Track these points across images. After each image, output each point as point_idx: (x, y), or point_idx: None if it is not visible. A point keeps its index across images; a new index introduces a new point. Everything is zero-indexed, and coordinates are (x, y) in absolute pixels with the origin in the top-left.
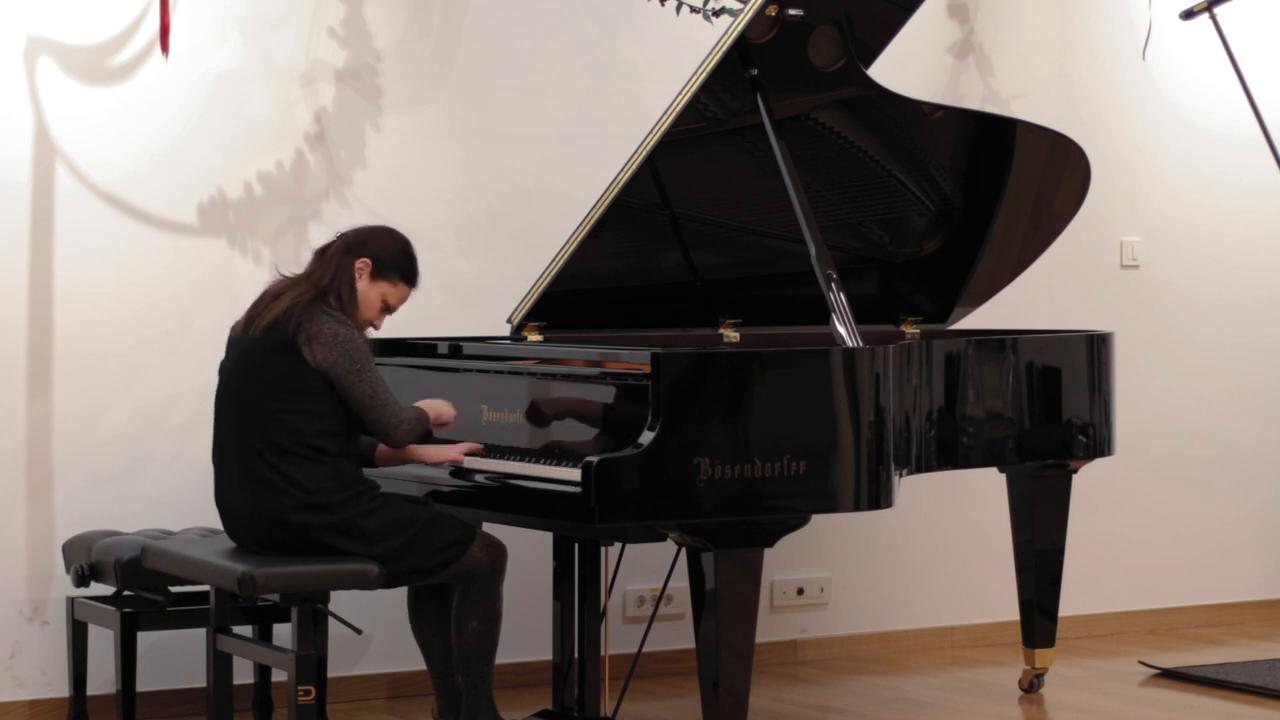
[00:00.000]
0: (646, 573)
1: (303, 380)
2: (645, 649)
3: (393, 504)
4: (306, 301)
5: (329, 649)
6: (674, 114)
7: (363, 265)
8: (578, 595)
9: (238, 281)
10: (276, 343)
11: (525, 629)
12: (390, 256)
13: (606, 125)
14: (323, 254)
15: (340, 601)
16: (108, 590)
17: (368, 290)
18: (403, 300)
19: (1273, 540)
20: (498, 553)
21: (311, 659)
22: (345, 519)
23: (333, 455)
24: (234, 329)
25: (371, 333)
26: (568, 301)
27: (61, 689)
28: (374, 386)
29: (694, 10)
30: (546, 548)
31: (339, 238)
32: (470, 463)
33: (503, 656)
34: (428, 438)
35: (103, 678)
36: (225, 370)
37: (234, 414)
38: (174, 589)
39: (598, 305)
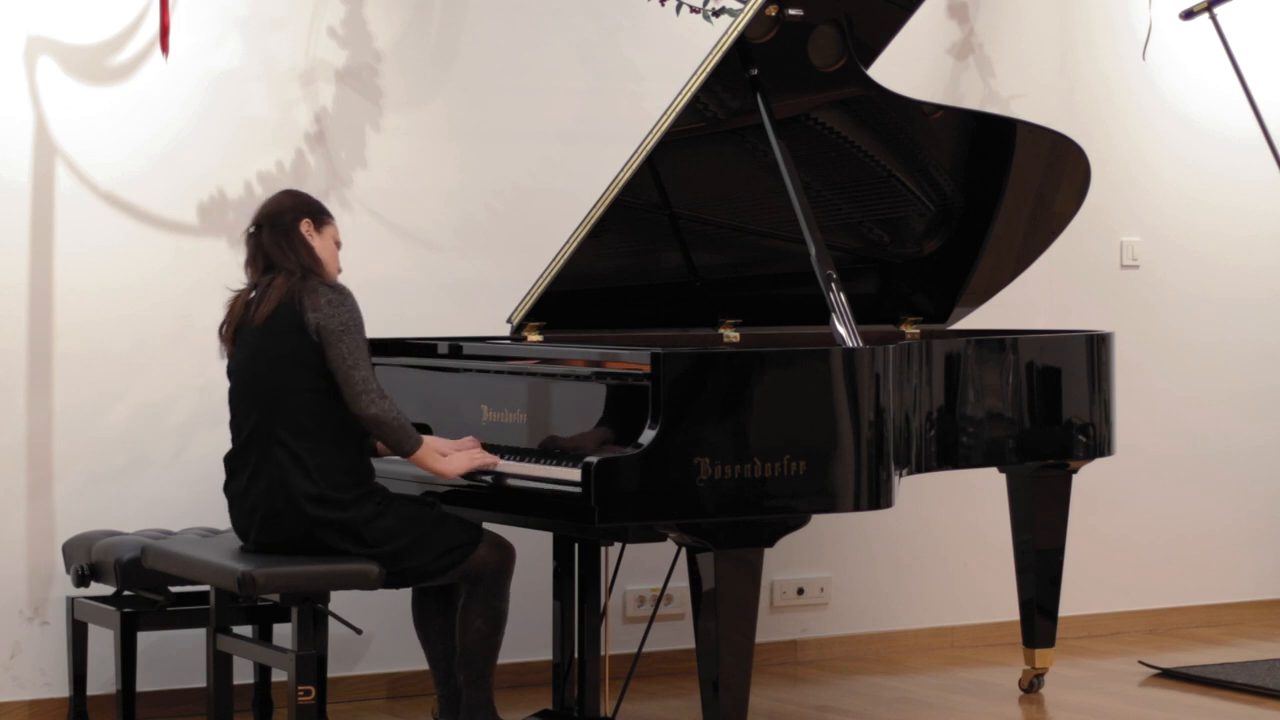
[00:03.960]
0: (646, 573)
1: (316, 353)
2: (645, 649)
3: (398, 508)
4: (299, 279)
5: (329, 649)
6: (674, 114)
7: (306, 225)
8: (578, 595)
9: (238, 281)
10: (286, 323)
11: (525, 629)
12: (309, 206)
13: (606, 125)
14: (258, 244)
15: (340, 601)
16: (108, 590)
17: (323, 243)
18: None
19: (1273, 540)
20: (505, 554)
21: (311, 659)
22: (353, 518)
23: (354, 440)
24: (224, 332)
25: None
26: (568, 301)
27: (61, 689)
28: (356, 351)
29: (694, 10)
30: (546, 548)
31: (258, 226)
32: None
33: (503, 656)
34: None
35: (103, 678)
36: (236, 368)
37: (252, 407)
38: (174, 589)
39: (598, 305)
